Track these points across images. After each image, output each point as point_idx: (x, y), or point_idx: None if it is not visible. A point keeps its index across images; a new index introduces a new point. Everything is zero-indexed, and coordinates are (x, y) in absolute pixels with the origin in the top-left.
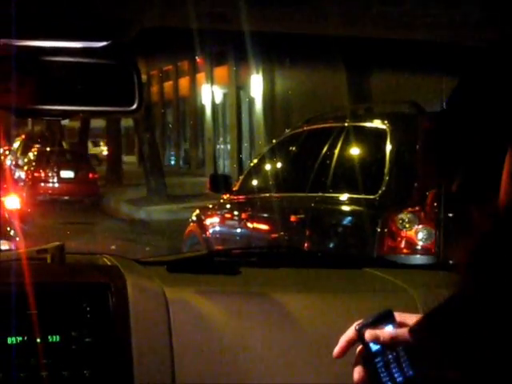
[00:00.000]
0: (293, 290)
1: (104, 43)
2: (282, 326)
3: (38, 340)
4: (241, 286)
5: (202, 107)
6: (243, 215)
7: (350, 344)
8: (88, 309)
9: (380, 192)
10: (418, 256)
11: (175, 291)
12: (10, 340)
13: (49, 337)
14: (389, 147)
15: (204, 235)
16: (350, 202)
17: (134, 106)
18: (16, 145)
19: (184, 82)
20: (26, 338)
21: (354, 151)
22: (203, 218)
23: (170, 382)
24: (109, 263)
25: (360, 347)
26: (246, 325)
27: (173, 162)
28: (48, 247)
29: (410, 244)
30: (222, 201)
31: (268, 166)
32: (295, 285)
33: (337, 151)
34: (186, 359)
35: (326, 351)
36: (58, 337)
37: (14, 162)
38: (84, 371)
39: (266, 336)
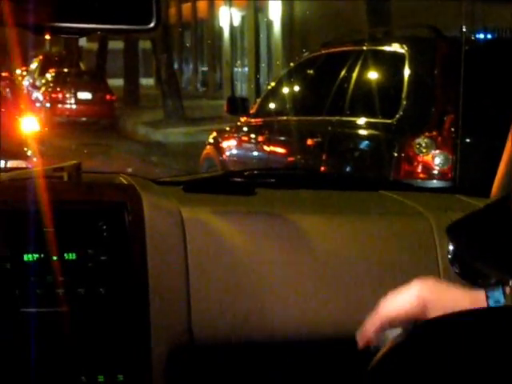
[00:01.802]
0: (308, 211)
1: None
2: (296, 246)
3: (54, 257)
4: (256, 207)
5: (220, 30)
6: (260, 138)
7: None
8: (104, 227)
9: (397, 116)
10: (435, 181)
11: (191, 211)
12: (26, 257)
13: (65, 254)
14: (407, 71)
15: (221, 158)
16: (367, 125)
17: (152, 24)
18: (33, 66)
19: (202, 4)
20: (42, 255)
21: (372, 75)
22: (220, 140)
23: (185, 300)
24: (125, 182)
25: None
26: (260, 244)
27: (190, 85)
28: (65, 165)
29: (427, 169)
30: (239, 123)
31: (285, 89)
32: (311, 206)
33: (355, 75)
34: (201, 278)
35: (337, 272)
36: (73, 254)
37: (31, 83)
38: (100, 289)
39: (281, 256)
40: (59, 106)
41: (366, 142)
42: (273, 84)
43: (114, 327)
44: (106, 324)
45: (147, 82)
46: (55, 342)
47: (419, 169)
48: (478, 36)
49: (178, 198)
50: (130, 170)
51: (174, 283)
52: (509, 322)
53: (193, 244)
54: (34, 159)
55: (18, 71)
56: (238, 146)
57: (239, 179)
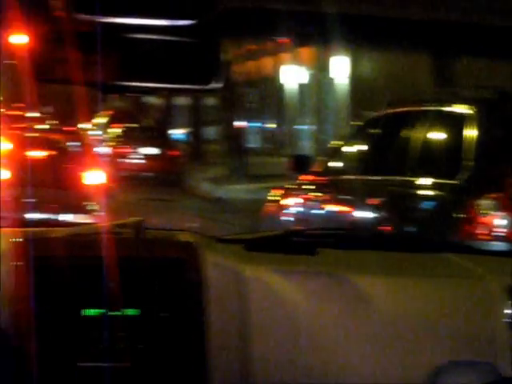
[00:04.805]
0: (370, 272)
1: (188, 22)
2: (357, 308)
3: (115, 313)
4: (318, 266)
5: (286, 87)
6: (322, 196)
7: None
8: (165, 284)
9: (461, 177)
10: (498, 243)
11: (252, 269)
12: (87, 312)
13: (125, 310)
14: (472, 132)
15: (282, 215)
16: (431, 185)
17: (216, 85)
18: (101, 120)
19: (268, 62)
20: (103, 310)
21: (437, 135)
22: (282, 197)
23: (245, 358)
24: (187, 240)
25: None
26: (321, 304)
27: (254, 142)
28: (128, 222)
29: (490, 230)
30: (302, 181)
31: (348, 149)
32: (373, 267)
33: (420, 135)
34: (261, 336)
35: (397, 334)
36: (134, 310)
37: (98, 137)
38: (159, 345)
39: (341, 316)
40: (125, 160)
41: (429, 201)
42: (337, 142)
43: None
44: (164, 381)
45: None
46: None
47: (482, 230)
48: None
49: (240, 256)
50: (192, 224)
51: (233, 341)
52: None
53: (253, 302)
54: (99, 214)
55: (87, 125)
56: (300, 204)
57: (301, 238)
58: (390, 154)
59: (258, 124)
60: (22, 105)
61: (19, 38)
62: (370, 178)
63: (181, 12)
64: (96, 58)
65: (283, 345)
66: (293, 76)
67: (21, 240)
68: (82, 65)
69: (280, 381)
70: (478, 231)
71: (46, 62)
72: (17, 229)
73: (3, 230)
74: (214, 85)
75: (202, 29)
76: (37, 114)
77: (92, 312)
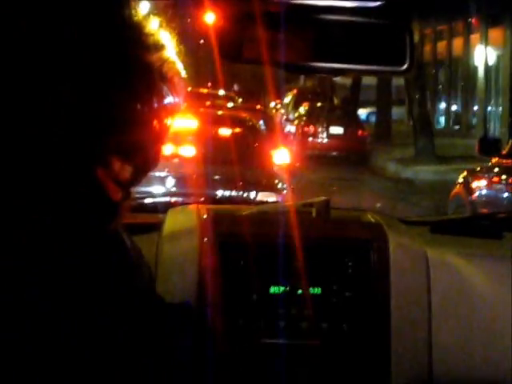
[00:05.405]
0: None
1: (378, 2)
2: None
3: (300, 291)
4: (503, 251)
5: (475, 68)
6: (511, 180)
7: None
8: (349, 263)
9: None
10: None
11: (437, 252)
12: (272, 289)
13: (310, 288)
14: None
15: (470, 198)
16: None
17: (405, 66)
18: (287, 99)
19: (457, 43)
20: (288, 288)
21: None
22: (470, 180)
23: (426, 341)
24: (372, 220)
25: None
26: (506, 290)
27: (442, 123)
28: (314, 201)
29: None
30: (490, 164)
31: None
32: None
33: None
34: (444, 319)
35: None
36: (319, 289)
37: (284, 116)
38: (343, 324)
39: None
40: (311, 139)
41: None
42: None
43: (355, 365)
44: (346, 361)
45: (398, 111)
46: (295, 374)
47: None
48: None
49: (424, 239)
50: (378, 205)
51: (416, 323)
52: None
53: (437, 285)
54: (285, 192)
55: (272, 104)
56: (488, 187)
57: (488, 222)
58: None
59: (446, 105)
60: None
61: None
62: None
63: None
64: (285, 39)
65: (464, 329)
66: (481, 57)
67: (208, 216)
68: (271, 45)
69: (457, 373)
70: None
71: (234, 41)
72: (204, 205)
73: (190, 206)
74: (405, 66)
75: (392, 10)
76: (223, 92)
77: (277, 289)
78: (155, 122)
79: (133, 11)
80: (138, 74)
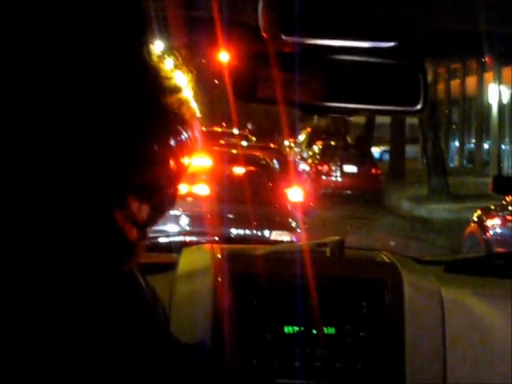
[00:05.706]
0: None
1: (392, 43)
2: None
3: (315, 331)
4: None
5: (488, 106)
6: None
7: None
8: (364, 303)
9: None
10: None
11: (451, 291)
12: (287, 329)
13: (324, 328)
14: None
15: (484, 236)
16: None
17: (419, 107)
18: (301, 137)
19: (471, 81)
20: (302, 328)
21: None
22: (484, 218)
23: (441, 382)
24: (386, 260)
25: None
26: None
27: (456, 161)
28: (328, 241)
29: None
30: (504, 202)
31: None
32: None
33: None
34: (458, 360)
35: None
36: (333, 329)
37: (298, 155)
38: (357, 364)
39: None
40: (325, 178)
41: None
42: None
43: None
44: None
45: (412, 150)
46: None
47: None
48: None
49: (439, 278)
50: (392, 243)
51: (431, 364)
52: None
53: (451, 325)
54: (298, 231)
55: (286, 143)
56: (503, 226)
57: (503, 261)
58: None
59: (459, 143)
60: (223, 123)
61: (221, 58)
62: None
63: (384, 34)
64: (299, 79)
65: (479, 371)
66: (494, 95)
67: (222, 256)
68: (285, 85)
69: None
70: None
71: (248, 81)
72: (218, 245)
73: (205, 245)
74: (419, 106)
75: (406, 50)
76: (237, 131)
77: (291, 329)
78: (172, 163)
79: (151, 54)
80: (156, 115)
